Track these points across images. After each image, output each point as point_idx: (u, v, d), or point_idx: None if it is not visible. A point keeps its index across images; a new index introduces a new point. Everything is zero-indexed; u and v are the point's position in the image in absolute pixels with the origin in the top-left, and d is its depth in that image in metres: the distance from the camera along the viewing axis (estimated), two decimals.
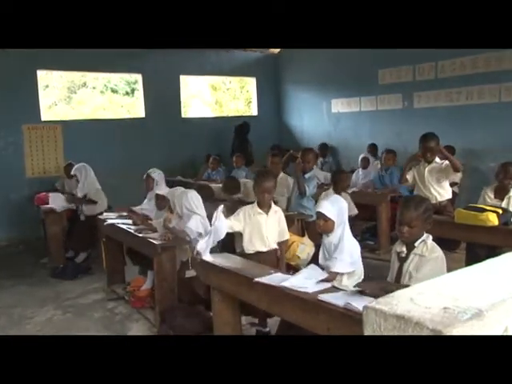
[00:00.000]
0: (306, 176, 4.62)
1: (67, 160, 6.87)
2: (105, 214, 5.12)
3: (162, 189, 4.60)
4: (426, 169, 4.27)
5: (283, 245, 3.54)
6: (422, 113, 7.16)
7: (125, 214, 4.79)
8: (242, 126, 8.57)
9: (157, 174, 4.90)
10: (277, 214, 3.52)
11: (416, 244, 2.54)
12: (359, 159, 6.87)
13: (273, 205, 3.53)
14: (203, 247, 3.11)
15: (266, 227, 3.43)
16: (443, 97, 6.87)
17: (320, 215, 2.93)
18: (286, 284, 2.51)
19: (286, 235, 3.56)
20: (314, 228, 3.30)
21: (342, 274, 2.81)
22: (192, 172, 7.99)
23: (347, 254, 2.85)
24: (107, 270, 4.83)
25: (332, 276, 2.80)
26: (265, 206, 3.47)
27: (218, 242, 4.13)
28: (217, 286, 3.13)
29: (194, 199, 3.94)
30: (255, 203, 3.52)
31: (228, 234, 3.36)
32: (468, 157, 6.22)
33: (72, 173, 5.75)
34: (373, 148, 7.46)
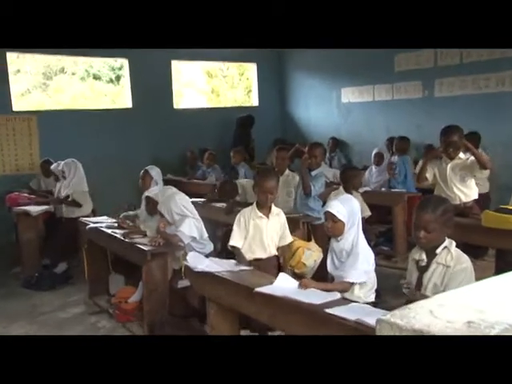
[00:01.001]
0: (313, 173, 4.61)
1: (43, 156, 6.87)
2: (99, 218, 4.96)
3: (154, 190, 4.53)
4: (449, 166, 4.25)
5: (284, 250, 3.54)
6: (444, 102, 7.15)
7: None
8: (246, 118, 8.54)
9: (155, 172, 4.86)
10: (278, 217, 3.52)
11: (437, 251, 2.52)
12: (372, 155, 6.85)
13: (273, 207, 3.53)
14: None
15: (266, 232, 3.44)
16: (469, 84, 6.85)
17: (329, 216, 2.93)
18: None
19: (288, 239, 3.56)
20: (322, 232, 3.30)
21: (354, 283, 2.82)
22: (185, 170, 7.99)
23: (362, 262, 2.86)
24: (89, 280, 4.82)
25: (346, 286, 2.81)
26: (265, 208, 3.47)
27: (216, 248, 4.17)
28: (213, 297, 3.12)
29: (182, 202, 3.95)
30: (254, 205, 3.52)
31: (226, 237, 3.36)
32: (499, 151, 6.20)
33: (60, 168, 5.66)
34: (391, 142, 7.40)
